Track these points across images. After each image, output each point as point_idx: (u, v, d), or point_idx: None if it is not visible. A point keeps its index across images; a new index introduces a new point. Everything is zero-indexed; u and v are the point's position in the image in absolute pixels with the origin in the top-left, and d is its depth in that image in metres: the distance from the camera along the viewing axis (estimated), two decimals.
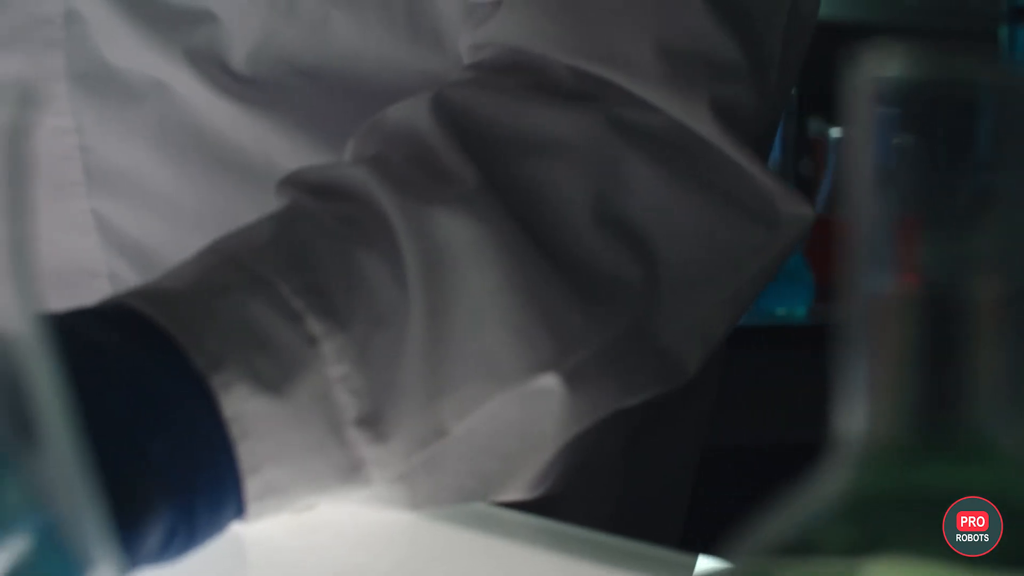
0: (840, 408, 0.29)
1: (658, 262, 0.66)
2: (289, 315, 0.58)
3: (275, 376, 0.57)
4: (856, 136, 0.29)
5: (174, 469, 0.54)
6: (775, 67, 0.71)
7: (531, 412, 0.63)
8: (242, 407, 0.57)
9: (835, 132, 1.93)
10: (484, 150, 0.65)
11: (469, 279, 0.62)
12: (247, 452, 0.57)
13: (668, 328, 0.67)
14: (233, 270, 0.60)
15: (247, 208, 0.65)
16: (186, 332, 0.57)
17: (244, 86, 0.76)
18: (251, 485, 0.57)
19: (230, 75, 0.76)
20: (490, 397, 0.62)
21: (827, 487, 0.30)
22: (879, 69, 0.29)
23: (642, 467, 0.83)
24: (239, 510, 0.57)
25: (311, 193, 0.64)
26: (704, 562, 0.58)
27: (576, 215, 0.64)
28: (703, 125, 0.67)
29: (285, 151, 0.76)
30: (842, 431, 0.29)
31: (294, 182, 0.65)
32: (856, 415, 0.29)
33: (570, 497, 0.70)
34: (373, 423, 0.60)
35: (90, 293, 0.66)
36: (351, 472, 0.60)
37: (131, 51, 0.78)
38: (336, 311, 0.59)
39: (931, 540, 0.28)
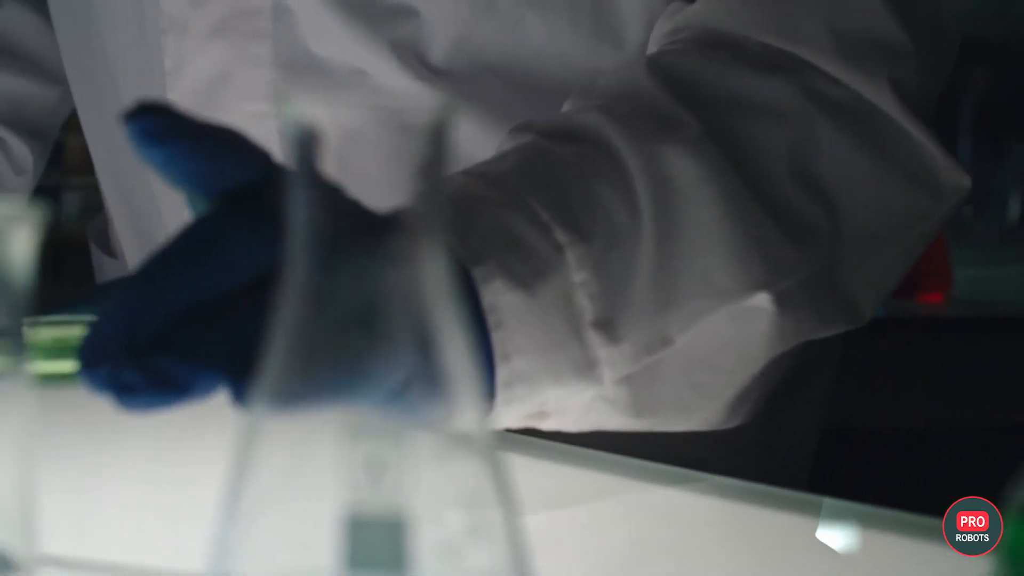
0: None
1: (840, 216, 0.73)
2: (539, 225, 0.65)
3: (527, 275, 0.63)
4: None
5: None
6: (934, 53, 0.79)
7: (744, 330, 0.71)
8: (498, 299, 0.63)
9: None
10: (699, 106, 0.72)
11: (693, 209, 0.69)
12: (500, 341, 0.63)
13: (848, 276, 0.74)
14: (487, 185, 0.66)
15: None
16: (450, 229, 0.63)
17: (440, 78, 0.83)
18: (501, 372, 0.63)
19: (428, 67, 0.83)
20: (711, 311, 0.69)
21: None
22: None
23: (779, 433, 0.91)
24: (488, 397, 0.63)
25: (545, 136, 0.70)
26: (832, 502, 0.65)
27: (775, 167, 0.72)
28: (883, 100, 0.75)
29: (474, 139, 0.82)
30: None
31: (527, 128, 0.71)
32: None
33: (718, 461, 0.77)
34: (607, 327, 0.66)
35: None
36: (586, 370, 0.66)
37: (337, 42, 0.83)
38: (579, 225, 0.66)
39: None
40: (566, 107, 0.75)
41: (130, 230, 0.98)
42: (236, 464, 0.35)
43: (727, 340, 0.71)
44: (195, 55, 0.87)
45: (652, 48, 0.80)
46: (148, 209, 0.95)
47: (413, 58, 0.83)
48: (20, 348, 0.38)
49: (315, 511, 0.33)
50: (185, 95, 0.88)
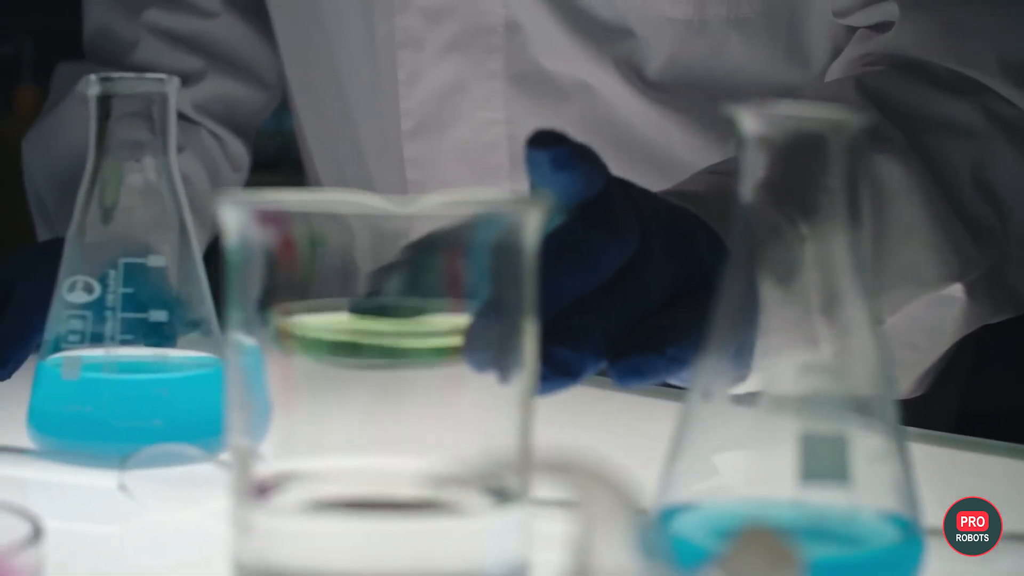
0: None
1: (1009, 220, 0.86)
2: None
3: None
4: None
5: None
6: None
7: (939, 314, 0.85)
8: None
9: None
10: (901, 121, 0.84)
11: (902, 209, 0.82)
12: None
13: (1013, 271, 0.87)
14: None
15: None
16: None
17: (654, 90, 0.94)
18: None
19: (644, 81, 0.94)
20: (915, 298, 0.82)
21: None
22: None
23: (926, 411, 1.03)
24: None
25: None
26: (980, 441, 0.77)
27: (962, 177, 0.84)
28: None
29: (684, 144, 0.94)
30: None
31: None
32: None
33: None
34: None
35: None
36: (813, 347, 0.78)
37: (565, 57, 0.94)
38: None
39: None
40: None
41: None
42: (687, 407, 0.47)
43: (925, 323, 0.85)
44: (430, 68, 0.97)
45: (839, 69, 0.92)
46: None
47: (633, 73, 0.94)
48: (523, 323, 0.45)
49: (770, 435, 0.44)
50: (419, 104, 0.98)
